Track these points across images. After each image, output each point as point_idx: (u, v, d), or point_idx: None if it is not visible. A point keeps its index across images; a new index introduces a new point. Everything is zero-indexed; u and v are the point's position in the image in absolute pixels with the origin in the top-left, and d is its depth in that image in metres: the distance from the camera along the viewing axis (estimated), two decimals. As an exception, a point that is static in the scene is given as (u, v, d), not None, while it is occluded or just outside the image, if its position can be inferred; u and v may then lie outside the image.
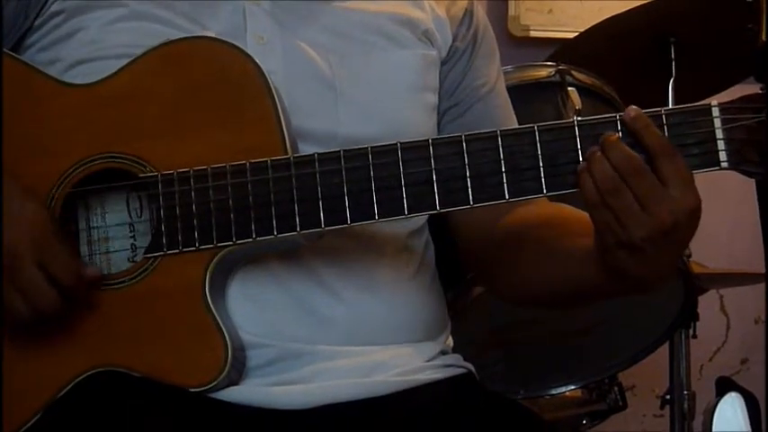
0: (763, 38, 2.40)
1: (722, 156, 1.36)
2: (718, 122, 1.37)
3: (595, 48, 2.68)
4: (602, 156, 1.36)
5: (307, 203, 1.38)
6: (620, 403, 2.59)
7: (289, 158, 1.39)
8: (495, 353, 2.38)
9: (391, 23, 1.58)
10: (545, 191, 1.38)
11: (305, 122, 1.47)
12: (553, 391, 2.53)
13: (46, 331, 1.40)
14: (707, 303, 3.04)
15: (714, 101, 1.37)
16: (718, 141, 1.36)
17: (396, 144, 1.39)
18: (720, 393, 2.56)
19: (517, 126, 1.41)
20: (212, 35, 1.46)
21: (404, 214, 1.38)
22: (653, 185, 1.35)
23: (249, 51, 1.44)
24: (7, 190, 1.38)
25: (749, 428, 2.52)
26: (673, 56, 2.61)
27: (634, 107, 1.38)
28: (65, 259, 1.39)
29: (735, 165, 1.36)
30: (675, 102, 2.58)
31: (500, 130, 1.38)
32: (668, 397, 2.69)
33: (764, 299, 2.07)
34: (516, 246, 1.59)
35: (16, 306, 1.37)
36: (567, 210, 1.57)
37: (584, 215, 1.41)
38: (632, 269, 1.39)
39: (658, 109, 1.37)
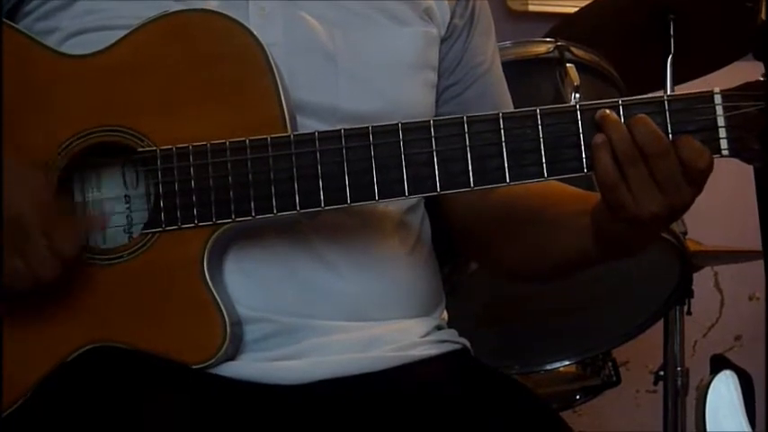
0: (762, 16, 2.40)
1: (723, 144, 1.35)
2: (719, 110, 1.35)
3: (594, 24, 2.66)
4: (625, 128, 1.35)
5: (306, 182, 1.38)
6: (614, 379, 2.60)
7: (289, 136, 1.39)
8: (490, 328, 2.38)
9: (393, 0, 1.57)
10: (546, 174, 1.37)
11: (305, 95, 1.47)
12: (547, 367, 2.55)
13: (40, 303, 1.39)
14: (701, 280, 3.05)
15: (717, 88, 1.36)
16: (720, 129, 1.35)
17: (397, 124, 1.38)
18: (715, 371, 2.56)
19: (519, 108, 1.40)
20: (213, 7, 1.44)
21: (404, 195, 1.38)
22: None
23: (250, 22, 1.43)
24: (8, 159, 1.37)
25: (743, 406, 2.53)
26: (672, 32, 2.59)
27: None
28: (67, 229, 1.38)
29: (735, 153, 1.35)
30: (674, 78, 2.58)
31: (502, 113, 1.38)
32: (662, 373, 2.70)
33: (764, 277, 2.07)
34: (506, 218, 1.60)
35: (18, 275, 1.36)
36: (555, 183, 1.57)
37: (571, 188, 1.42)
38: (631, 241, 1.42)
39: (660, 95, 1.37)
